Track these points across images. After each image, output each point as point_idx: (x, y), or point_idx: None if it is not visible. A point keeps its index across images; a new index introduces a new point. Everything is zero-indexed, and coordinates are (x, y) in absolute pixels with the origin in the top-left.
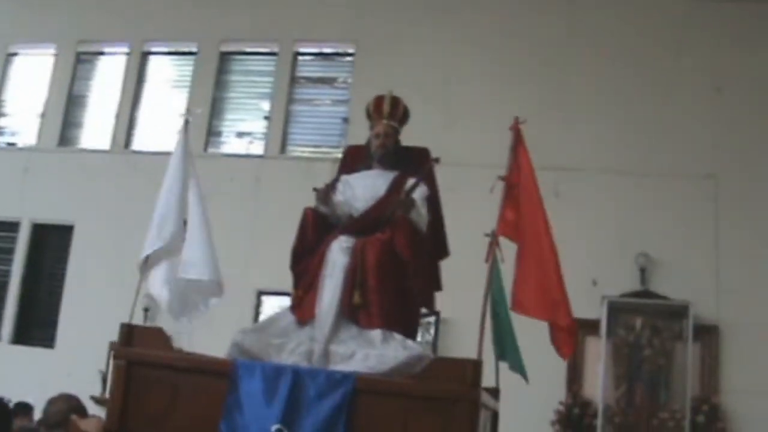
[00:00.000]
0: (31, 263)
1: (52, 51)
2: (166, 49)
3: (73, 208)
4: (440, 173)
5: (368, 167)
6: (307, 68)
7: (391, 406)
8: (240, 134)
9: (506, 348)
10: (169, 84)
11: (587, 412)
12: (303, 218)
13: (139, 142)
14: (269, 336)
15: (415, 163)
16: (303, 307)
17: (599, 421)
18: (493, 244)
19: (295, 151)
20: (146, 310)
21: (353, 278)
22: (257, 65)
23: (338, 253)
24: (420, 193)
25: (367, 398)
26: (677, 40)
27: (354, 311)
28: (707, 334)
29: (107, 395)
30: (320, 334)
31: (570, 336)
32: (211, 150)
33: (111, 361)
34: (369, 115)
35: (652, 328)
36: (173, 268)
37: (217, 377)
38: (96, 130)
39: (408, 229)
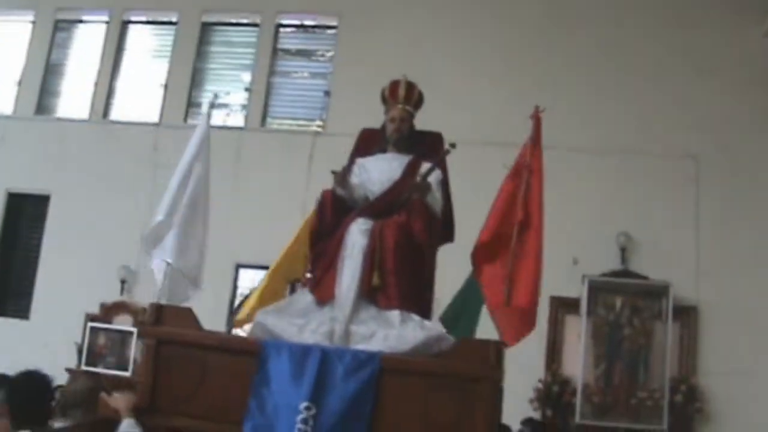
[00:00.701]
0: (6, 233)
1: (29, 18)
2: (146, 19)
3: (50, 177)
4: None
5: (383, 150)
6: (289, 40)
7: (416, 384)
8: (220, 105)
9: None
10: (148, 54)
11: (566, 390)
12: (321, 200)
13: (118, 112)
14: (290, 316)
15: (428, 146)
16: (322, 288)
17: (578, 399)
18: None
19: (276, 123)
20: (123, 282)
21: (372, 260)
22: (239, 36)
23: (357, 235)
24: (435, 178)
25: (392, 377)
26: (660, 22)
27: (373, 292)
28: (686, 314)
29: (83, 367)
30: (341, 314)
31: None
32: (190, 121)
33: (87, 332)
34: (384, 99)
35: (632, 308)
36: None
37: (245, 356)
38: (74, 99)
39: (425, 213)
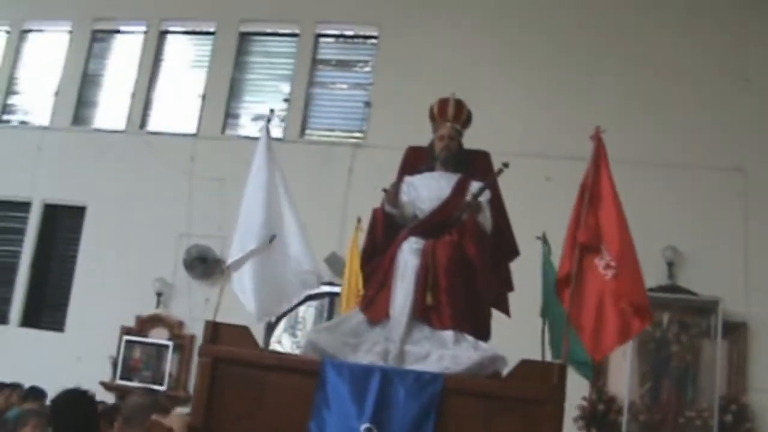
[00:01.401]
0: (42, 244)
1: (67, 28)
2: (183, 29)
3: (86, 188)
4: None
5: (430, 169)
6: (329, 50)
7: (478, 406)
8: (259, 117)
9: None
10: (186, 64)
11: (612, 408)
12: (372, 218)
13: (155, 123)
14: (343, 335)
15: (476, 165)
16: (375, 307)
17: (624, 418)
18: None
19: (315, 134)
20: (159, 294)
21: (425, 279)
22: (277, 46)
23: (409, 254)
24: (485, 197)
25: (455, 398)
26: (706, 31)
27: (426, 312)
28: (736, 331)
29: (117, 381)
30: (396, 334)
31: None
32: (228, 132)
33: (122, 345)
34: (432, 117)
35: (679, 324)
36: (260, 269)
37: (303, 376)
38: (111, 109)
39: (477, 232)
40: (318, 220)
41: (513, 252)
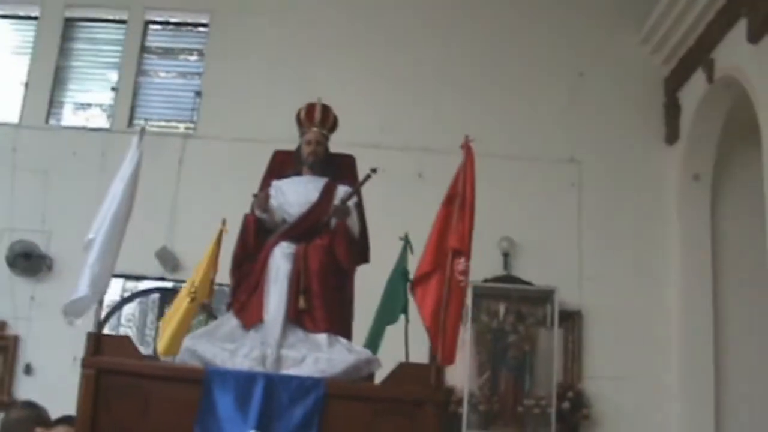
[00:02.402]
0: None
1: None
2: (4, 12)
3: None
4: None
5: (298, 173)
6: (158, 38)
7: (360, 409)
8: (84, 105)
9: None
10: (8, 50)
11: (451, 399)
12: (244, 224)
13: None
14: (220, 341)
15: (342, 169)
16: (248, 312)
17: (464, 409)
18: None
19: (144, 125)
20: None
21: (297, 283)
22: (104, 33)
23: (281, 259)
24: (351, 201)
25: (337, 402)
26: (542, 26)
27: (300, 315)
28: (571, 319)
29: None
30: (271, 338)
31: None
32: (52, 122)
33: None
34: (299, 122)
35: (516, 314)
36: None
37: (188, 384)
38: None
39: (347, 236)
40: (147, 212)
41: (364, 258)
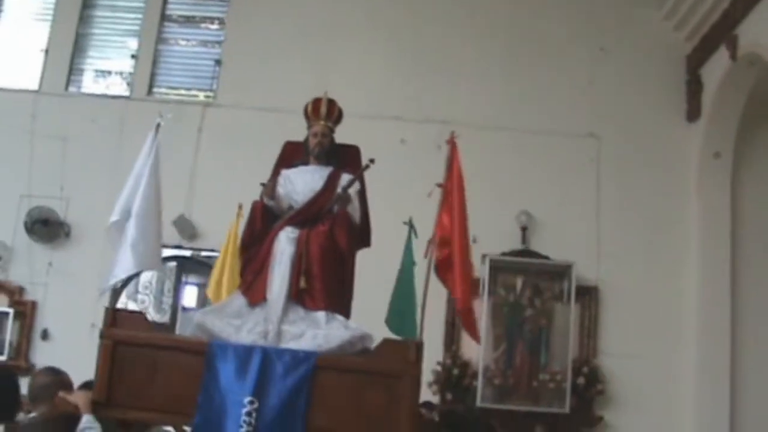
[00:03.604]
0: None
1: None
2: None
3: None
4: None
5: (305, 163)
6: (179, 6)
7: (346, 380)
8: (104, 73)
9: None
10: (28, 17)
11: (466, 372)
12: (252, 210)
13: None
14: (228, 317)
15: (347, 159)
16: (254, 291)
17: (479, 382)
18: (431, 245)
19: (163, 92)
20: None
21: (299, 265)
22: (125, 1)
23: (285, 243)
24: (353, 189)
25: (326, 373)
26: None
27: (300, 295)
28: (587, 295)
29: None
30: (273, 315)
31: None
32: (72, 89)
33: None
34: (306, 115)
35: (533, 288)
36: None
37: (192, 355)
38: None
39: (347, 222)
40: (165, 180)
41: (365, 242)
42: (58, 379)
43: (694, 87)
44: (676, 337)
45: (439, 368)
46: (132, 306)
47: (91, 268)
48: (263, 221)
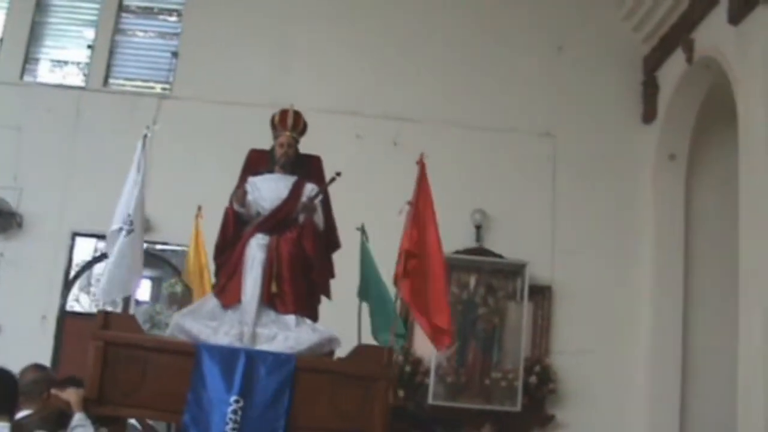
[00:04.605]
0: None
1: None
2: None
3: None
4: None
5: (270, 171)
6: None
7: (324, 380)
8: (60, 63)
9: (379, 326)
10: None
11: (418, 369)
12: (225, 216)
13: None
14: (203, 318)
15: (309, 168)
16: (227, 294)
17: (431, 380)
18: (405, 259)
19: (120, 84)
20: None
21: (270, 271)
22: None
23: (256, 249)
24: (318, 199)
25: (306, 375)
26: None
27: (272, 298)
28: (540, 294)
29: None
30: (248, 317)
31: (448, 334)
32: (27, 78)
33: None
34: (273, 125)
35: (486, 286)
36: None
37: (180, 356)
38: None
39: (313, 230)
40: (120, 172)
41: (335, 245)
42: (46, 375)
43: (651, 89)
44: (629, 335)
45: None
46: (84, 298)
47: (43, 259)
48: (235, 226)
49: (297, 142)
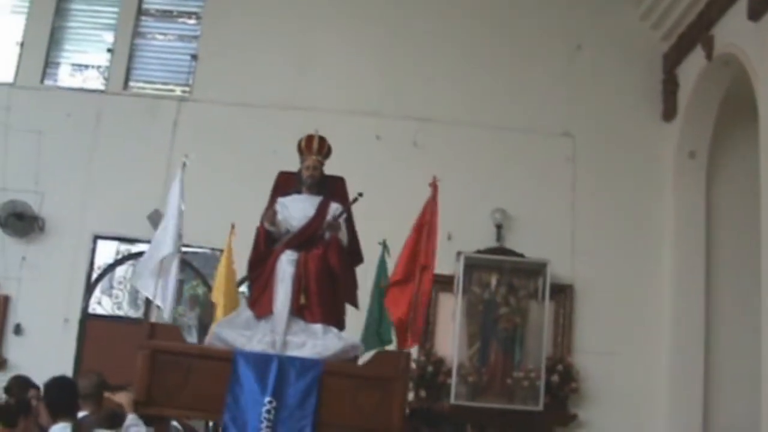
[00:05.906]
0: None
1: None
2: None
3: None
4: (294, 118)
5: (298, 191)
6: (156, 0)
7: (348, 383)
8: (80, 66)
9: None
10: (4, 9)
11: (440, 370)
12: (256, 235)
13: None
14: (239, 328)
15: (334, 188)
16: (260, 305)
17: (453, 380)
18: (418, 270)
19: (139, 87)
20: None
21: (299, 284)
22: None
23: (286, 264)
24: (342, 217)
25: (332, 378)
26: None
27: (301, 309)
28: (562, 293)
29: None
30: (279, 327)
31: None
32: (48, 82)
33: None
34: (300, 150)
35: (507, 286)
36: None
37: (219, 361)
38: None
39: (338, 247)
40: (140, 174)
41: (359, 259)
42: (102, 380)
43: (670, 86)
44: (651, 334)
45: (413, 365)
46: (106, 301)
47: (64, 263)
48: (266, 243)
49: (322, 164)
